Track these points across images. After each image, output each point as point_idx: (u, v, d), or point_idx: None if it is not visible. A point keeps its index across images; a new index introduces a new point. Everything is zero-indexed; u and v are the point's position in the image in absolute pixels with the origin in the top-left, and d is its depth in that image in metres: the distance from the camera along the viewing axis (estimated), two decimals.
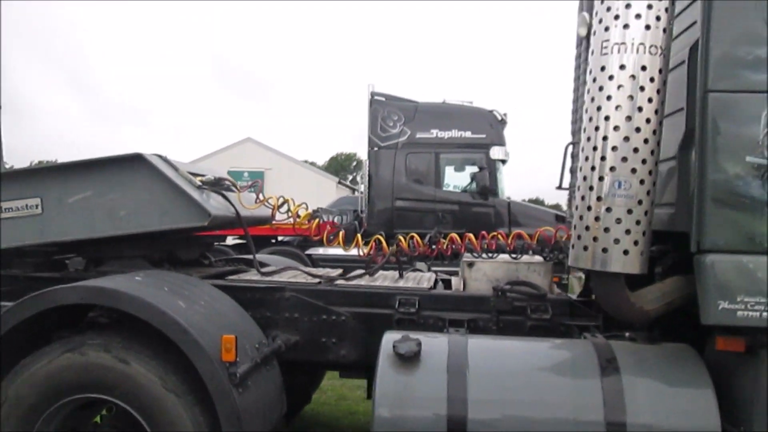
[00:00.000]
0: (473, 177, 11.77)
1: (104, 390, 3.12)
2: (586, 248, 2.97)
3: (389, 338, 3.28)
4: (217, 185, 4.14)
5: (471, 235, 4.19)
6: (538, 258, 4.12)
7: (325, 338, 3.87)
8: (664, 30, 2.89)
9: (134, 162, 3.92)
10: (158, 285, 3.42)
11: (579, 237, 3.02)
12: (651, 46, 2.86)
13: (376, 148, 11.73)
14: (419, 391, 3.06)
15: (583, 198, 3.00)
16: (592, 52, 3.02)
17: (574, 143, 4.91)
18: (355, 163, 61.80)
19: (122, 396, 3.11)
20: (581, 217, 3.00)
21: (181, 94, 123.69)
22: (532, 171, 64.29)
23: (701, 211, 2.87)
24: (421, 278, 4.39)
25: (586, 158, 2.99)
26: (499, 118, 11.98)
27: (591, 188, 2.95)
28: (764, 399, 2.83)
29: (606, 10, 2.95)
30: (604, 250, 2.92)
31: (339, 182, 37.07)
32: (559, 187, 5.21)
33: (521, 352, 3.25)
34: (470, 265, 4.04)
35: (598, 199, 2.92)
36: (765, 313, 2.79)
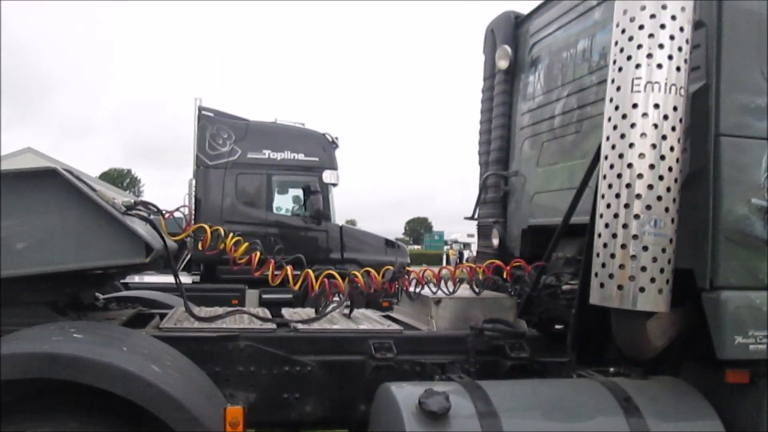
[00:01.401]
0: (306, 200, 11.46)
1: None
2: (621, 287, 2.90)
3: (402, 393, 2.87)
4: (142, 210, 3.36)
5: (431, 269, 3.94)
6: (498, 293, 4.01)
7: (287, 394, 3.31)
8: (686, 71, 2.97)
9: (42, 178, 3.01)
10: (111, 343, 2.62)
11: (608, 275, 2.95)
12: (681, 87, 2.92)
13: (203, 167, 10.83)
14: None
15: (615, 236, 2.93)
16: (618, 89, 2.98)
17: (496, 174, 4.94)
18: (128, 180, 57.03)
19: None
20: (612, 255, 2.93)
21: None
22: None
23: (715, 250, 2.98)
24: (371, 317, 4.01)
25: (616, 195, 2.94)
26: (331, 140, 11.86)
27: (625, 226, 2.90)
28: (766, 425, 3.00)
29: (637, 48, 2.93)
30: (641, 290, 2.88)
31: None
32: (471, 218, 5.20)
33: (543, 396, 3.08)
34: (437, 302, 3.78)
35: (634, 237, 2.88)
36: None
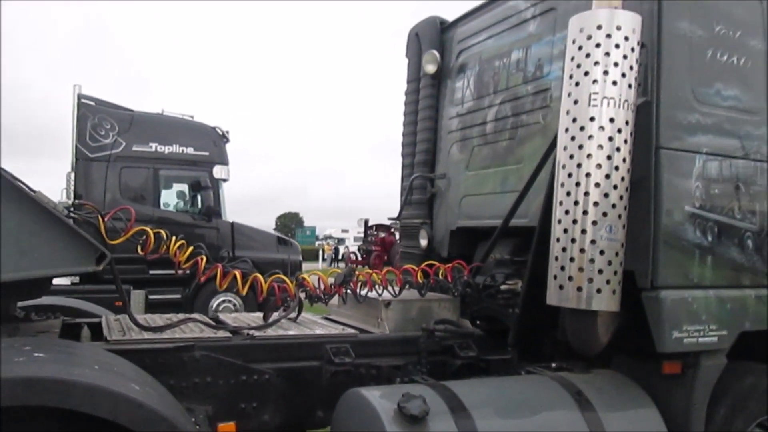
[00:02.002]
0: (195, 196, 11.01)
1: None
2: (580, 289, 3.09)
3: (377, 398, 2.88)
4: (84, 212, 3.10)
5: (378, 272, 3.95)
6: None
7: (245, 403, 3.20)
8: (635, 88, 3.21)
9: None
10: (77, 360, 2.40)
11: (567, 278, 3.13)
12: (632, 103, 3.15)
13: (83, 160, 10.05)
14: None
15: (573, 241, 3.11)
16: (576, 102, 3.16)
17: (423, 176, 5.05)
18: None
19: None
20: (572, 259, 3.12)
21: None
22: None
23: (656, 253, 3.26)
24: (318, 322, 3.96)
25: (575, 202, 3.12)
26: (222, 134, 11.47)
27: (584, 231, 3.09)
28: (699, 409, 3.33)
29: (593, 64, 3.13)
30: (598, 291, 3.08)
31: None
32: (397, 219, 5.29)
33: (508, 394, 3.21)
34: (387, 304, 3.81)
35: (592, 242, 3.08)
36: (700, 339, 3.31)
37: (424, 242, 5.05)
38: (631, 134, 3.16)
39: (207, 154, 11.12)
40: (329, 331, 3.60)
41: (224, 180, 11.41)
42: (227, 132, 11.63)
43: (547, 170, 3.73)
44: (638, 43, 3.17)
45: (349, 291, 3.81)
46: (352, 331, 3.67)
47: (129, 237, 3.34)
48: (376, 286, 3.90)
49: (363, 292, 3.94)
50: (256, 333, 3.39)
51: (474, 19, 4.96)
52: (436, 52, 5.11)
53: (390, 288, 3.90)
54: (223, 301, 10.70)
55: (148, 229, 3.38)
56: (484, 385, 3.36)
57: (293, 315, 3.77)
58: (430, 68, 5.14)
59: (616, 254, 3.11)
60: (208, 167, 11.04)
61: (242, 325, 3.53)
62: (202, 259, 3.50)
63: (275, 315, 3.70)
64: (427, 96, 5.24)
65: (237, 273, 3.58)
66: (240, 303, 10.66)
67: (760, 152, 3.64)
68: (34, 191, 2.87)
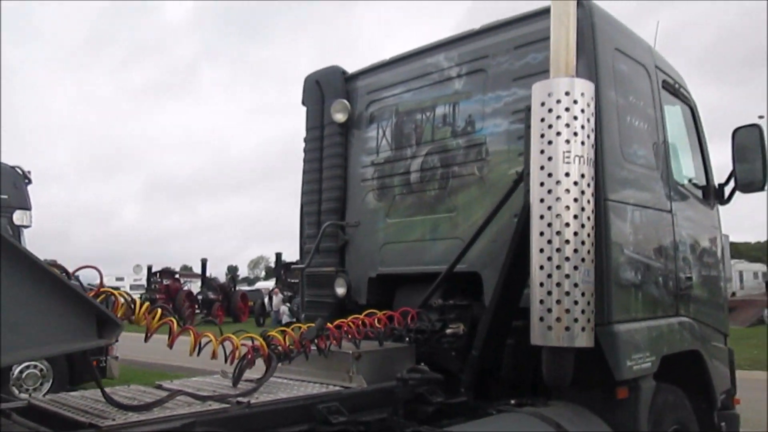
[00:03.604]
0: None
1: None
2: (568, 329, 3.37)
3: None
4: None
5: (346, 322, 3.85)
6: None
7: None
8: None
9: None
10: None
11: (555, 319, 3.39)
12: (593, 160, 3.57)
13: None
14: None
15: (559, 285, 3.40)
16: (550, 158, 3.48)
17: (335, 224, 5.07)
18: None
19: None
20: (558, 302, 3.39)
21: None
22: None
23: (608, 292, 3.70)
24: (283, 381, 3.73)
25: (557, 249, 3.42)
26: (23, 175, 10.08)
27: (567, 276, 3.39)
28: (644, 426, 3.80)
29: (565, 126, 3.49)
30: (583, 329, 3.40)
31: None
32: (305, 267, 5.22)
33: None
34: (358, 357, 3.73)
35: (575, 285, 3.40)
36: (642, 365, 3.81)
37: (341, 290, 5.02)
38: (590, 187, 3.57)
39: (6, 197, 9.66)
40: (313, 390, 3.43)
41: (26, 226, 9.98)
42: (29, 172, 10.24)
43: (501, 219, 4.03)
44: (595, 107, 3.62)
45: (315, 346, 3.66)
46: (337, 388, 3.53)
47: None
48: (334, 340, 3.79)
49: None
50: (252, 400, 3.10)
51: (383, 72, 5.15)
52: (346, 102, 5.18)
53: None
54: (27, 367, 9.25)
55: (115, 292, 2.94)
56: (481, 427, 3.46)
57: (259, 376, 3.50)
58: (340, 117, 5.20)
59: (591, 295, 3.47)
60: (8, 212, 9.59)
61: (223, 393, 3.20)
62: (172, 322, 3.12)
63: (250, 376, 3.41)
64: (334, 144, 5.27)
65: (210, 336, 3.26)
66: (48, 367, 9.33)
67: (661, 202, 4.33)
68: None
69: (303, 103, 5.59)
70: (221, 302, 28.50)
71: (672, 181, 4.52)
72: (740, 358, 7.32)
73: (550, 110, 3.53)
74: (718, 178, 5.24)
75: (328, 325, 3.74)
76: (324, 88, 5.39)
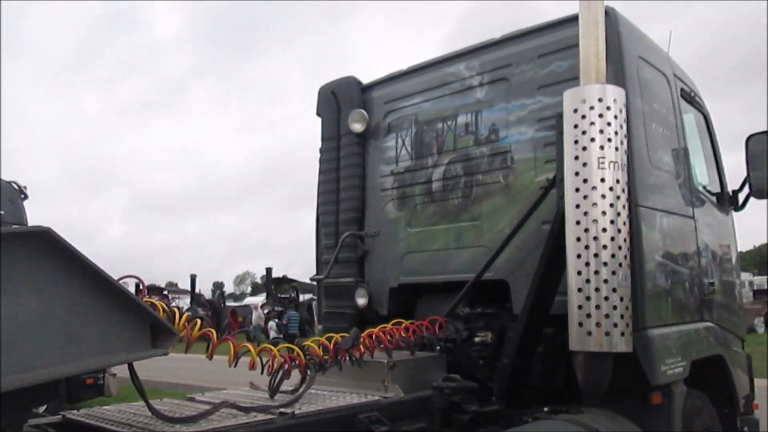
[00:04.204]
0: None
1: None
2: (608, 333, 3.38)
3: None
4: None
5: (376, 331, 3.82)
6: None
7: None
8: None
9: (35, 242, 2.14)
10: None
11: (595, 324, 3.39)
12: (624, 165, 3.60)
13: None
14: None
15: (597, 290, 3.40)
16: (585, 164, 3.50)
17: (354, 234, 5.05)
18: None
19: None
20: (597, 307, 3.39)
21: None
22: None
23: (642, 298, 3.71)
24: (315, 391, 3.68)
25: (595, 255, 3.43)
26: (19, 190, 9.93)
27: (606, 281, 3.40)
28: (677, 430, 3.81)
29: (599, 132, 3.51)
30: (622, 334, 3.40)
31: None
32: (325, 277, 5.18)
33: None
34: (392, 366, 3.70)
35: (613, 290, 3.40)
36: (675, 370, 3.82)
37: (362, 301, 4.99)
38: (624, 192, 3.59)
39: (2, 213, 9.49)
40: (352, 400, 3.39)
41: None
42: (25, 187, 10.09)
43: (528, 226, 4.04)
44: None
45: (352, 356, 3.62)
46: (376, 397, 3.49)
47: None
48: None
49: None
50: (296, 411, 3.06)
51: (401, 82, 5.17)
52: (364, 112, 5.18)
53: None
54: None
55: (155, 301, 2.89)
56: None
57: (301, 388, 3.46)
58: (358, 127, 5.20)
59: (630, 300, 3.48)
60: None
61: (264, 404, 3.15)
62: (212, 332, 3.08)
63: (291, 388, 3.37)
64: (352, 154, 5.27)
65: (250, 347, 3.21)
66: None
67: (684, 208, 4.37)
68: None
69: (318, 113, 5.58)
70: (211, 318, 28.15)
71: (693, 188, 4.57)
72: None
73: (583, 116, 3.55)
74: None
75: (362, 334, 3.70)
76: (340, 99, 5.38)
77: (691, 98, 4.95)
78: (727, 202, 5.27)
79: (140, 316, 2.36)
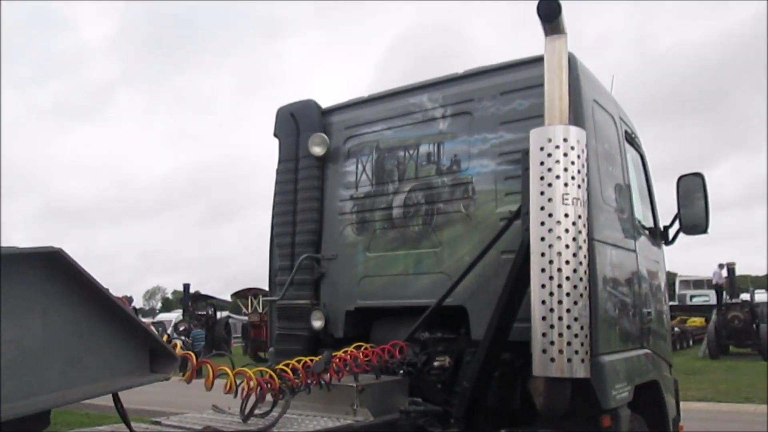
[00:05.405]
0: None
1: None
2: (570, 360, 3.58)
3: None
4: None
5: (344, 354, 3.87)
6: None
7: None
8: None
9: (44, 262, 2.10)
10: None
11: (558, 351, 3.59)
12: (585, 201, 3.85)
13: None
14: None
15: (561, 319, 3.61)
16: (550, 200, 3.72)
17: (311, 257, 5.11)
18: None
19: None
20: (560, 335, 3.59)
21: None
22: None
23: (596, 326, 3.95)
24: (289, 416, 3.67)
25: (559, 285, 3.64)
26: None
27: (568, 310, 3.61)
28: None
29: (563, 170, 3.75)
30: (582, 360, 3.61)
31: None
32: (280, 299, 5.20)
33: None
34: (361, 390, 3.76)
35: (575, 319, 3.62)
36: (623, 394, 4.08)
37: (318, 323, 5.02)
38: (585, 227, 3.84)
39: None
40: (329, 424, 3.42)
41: None
42: None
43: (488, 255, 4.22)
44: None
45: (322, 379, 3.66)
46: (348, 422, 3.53)
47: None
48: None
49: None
50: None
51: (362, 108, 5.29)
52: (325, 136, 5.25)
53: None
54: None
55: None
56: None
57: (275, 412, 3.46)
58: (318, 150, 5.26)
59: (588, 328, 3.71)
60: None
61: (241, 429, 3.14)
62: (190, 355, 3.05)
63: (265, 411, 3.36)
64: (310, 177, 5.31)
65: (228, 370, 3.20)
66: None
67: (628, 242, 4.70)
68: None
69: (275, 134, 5.60)
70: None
71: (634, 223, 4.92)
72: None
73: (549, 155, 3.78)
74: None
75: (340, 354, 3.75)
76: (299, 121, 5.43)
77: (632, 139, 5.33)
78: (659, 236, 5.68)
79: (141, 340, 2.33)
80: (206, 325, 26.98)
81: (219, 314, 31.75)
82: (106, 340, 2.24)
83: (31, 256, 2.03)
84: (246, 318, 30.05)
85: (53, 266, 2.07)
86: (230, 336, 30.59)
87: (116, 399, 2.62)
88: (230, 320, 32.38)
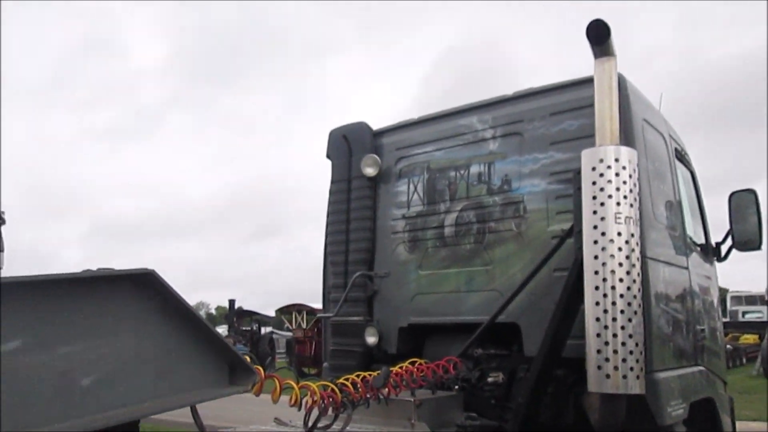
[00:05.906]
0: None
1: None
2: (625, 376, 3.63)
3: None
4: None
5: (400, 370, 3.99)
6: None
7: None
8: None
9: (137, 284, 2.29)
10: None
11: (613, 367, 3.65)
12: (637, 220, 3.91)
13: None
14: None
15: (615, 336, 3.66)
16: (603, 218, 3.79)
17: (365, 274, 5.24)
18: None
19: None
20: (615, 351, 3.65)
21: None
22: None
23: (650, 343, 3.99)
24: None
25: (613, 303, 3.70)
26: None
27: (623, 327, 3.67)
28: None
29: (616, 189, 3.82)
30: (637, 377, 3.66)
31: None
32: (334, 316, 5.35)
33: None
34: (419, 405, 3.87)
35: (630, 336, 3.67)
36: (679, 411, 4.09)
37: (372, 339, 5.15)
38: (638, 245, 3.89)
39: None
40: None
41: None
42: (3, 213, 9.95)
43: (541, 272, 4.30)
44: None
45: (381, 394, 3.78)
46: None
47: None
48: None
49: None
50: None
51: (412, 130, 5.44)
52: (376, 157, 5.42)
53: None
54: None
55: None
56: None
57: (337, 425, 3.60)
58: (371, 171, 5.43)
59: (643, 345, 3.76)
60: None
61: None
62: (259, 369, 3.21)
63: (327, 423, 3.50)
64: (363, 197, 5.48)
65: (292, 383, 3.35)
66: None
67: (680, 259, 4.72)
68: None
69: (327, 156, 5.80)
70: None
71: (686, 240, 4.93)
72: None
73: (601, 174, 3.86)
74: None
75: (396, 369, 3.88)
76: (351, 143, 5.62)
77: (681, 156, 5.35)
78: (711, 252, 5.66)
79: (221, 354, 2.50)
80: (251, 340, 27.36)
81: (263, 330, 32.18)
82: (191, 355, 2.42)
83: (126, 277, 2.23)
84: (290, 334, 30.38)
85: (146, 286, 2.26)
86: (274, 351, 30.93)
87: (194, 411, 2.80)
88: (274, 335, 32.79)
